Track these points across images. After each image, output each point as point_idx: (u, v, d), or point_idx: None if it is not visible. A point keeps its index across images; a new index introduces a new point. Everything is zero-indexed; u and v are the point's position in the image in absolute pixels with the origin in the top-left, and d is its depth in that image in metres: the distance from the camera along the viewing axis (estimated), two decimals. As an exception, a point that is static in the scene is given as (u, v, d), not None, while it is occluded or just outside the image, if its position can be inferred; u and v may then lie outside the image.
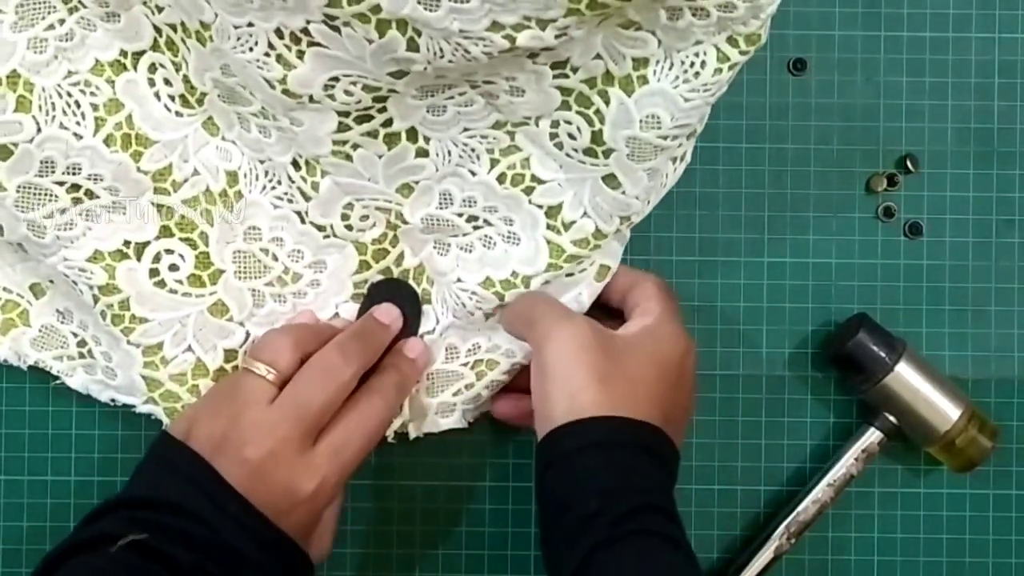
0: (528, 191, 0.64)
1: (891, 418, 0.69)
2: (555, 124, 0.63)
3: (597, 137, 0.62)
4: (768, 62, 0.72)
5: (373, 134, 0.63)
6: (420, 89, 0.61)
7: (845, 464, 0.70)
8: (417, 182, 0.65)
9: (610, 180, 0.63)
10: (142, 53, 0.64)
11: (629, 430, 0.60)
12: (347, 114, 0.62)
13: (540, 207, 0.65)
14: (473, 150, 0.64)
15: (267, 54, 0.59)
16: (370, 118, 0.62)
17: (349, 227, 0.67)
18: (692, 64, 0.60)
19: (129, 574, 0.57)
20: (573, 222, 0.64)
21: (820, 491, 0.70)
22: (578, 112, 0.62)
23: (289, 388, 0.63)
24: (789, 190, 0.72)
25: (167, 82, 0.65)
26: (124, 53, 0.64)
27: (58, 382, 0.69)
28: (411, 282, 0.69)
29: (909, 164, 0.72)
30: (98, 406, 0.70)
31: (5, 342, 0.69)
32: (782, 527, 0.70)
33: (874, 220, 0.72)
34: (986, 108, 0.72)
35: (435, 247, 0.67)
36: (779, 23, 0.71)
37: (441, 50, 0.57)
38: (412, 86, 0.60)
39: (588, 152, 0.63)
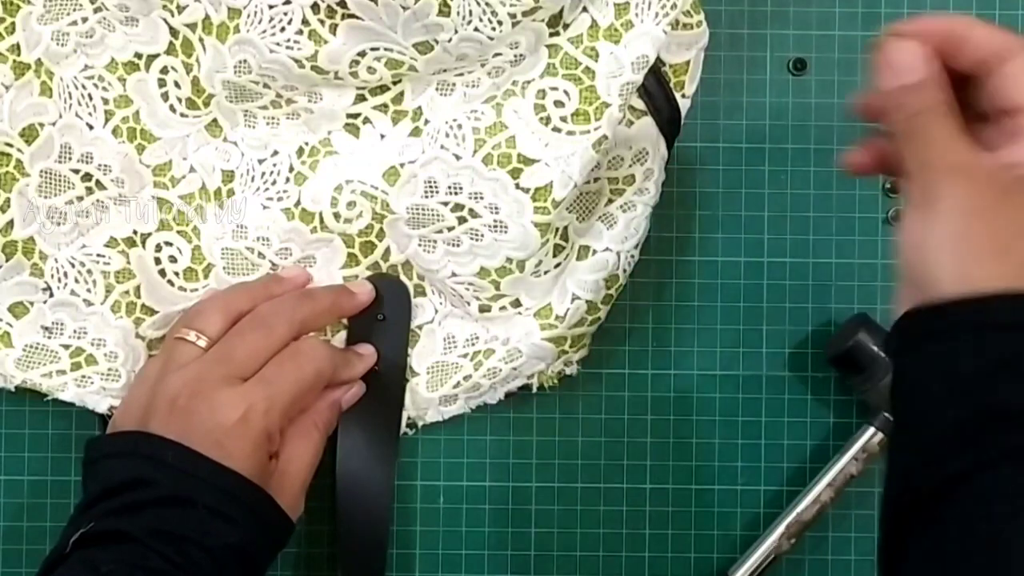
0: (515, 173, 0.64)
1: (891, 418, 0.69)
2: (540, 94, 0.64)
3: (588, 95, 0.63)
4: (768, 62, 0.72)
5: (383, 108, 0.66)
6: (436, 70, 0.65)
7: (845, 464, 0.70)
8: (403, 165, 0.66)
9: (598, 144, 0.63)
10: (156, 56, 0.66)
11: None
12: (364, 86, 0.65)
13: (527, 191, 0.64)
14: (460, 126, 0.65)
15: (300, 32, 0.61)
16: (386, 89, 0.65)
17: (337, 215, 0.67)
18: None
19: (85, 569, 0.56)
20: (564, 199, 0.64)
21: (820, 491, 0.70)
22: (565, 76, 0.63)
23: (217, 343, 0.63)
24: (789, 190, 0.72)
25: (176, 85, 0.66)
26: (139, 56, 0.66)
27: (49, 398, 0.68)
28: (402, 277, 0.69)
29: (909, 164, 0.71)
30: (98, 406, 0.70)
31: None
32: (782, 527, 0.70)
33: (874, 220, 0.72)
34: (986, 108, 0.72)
35: (420, 244, 0.67)
36: (779, 23, 0.72)
37: (470, 12, 0.60)
38: (431, 66, 0.64)
39: (577, 116, 0.63)
